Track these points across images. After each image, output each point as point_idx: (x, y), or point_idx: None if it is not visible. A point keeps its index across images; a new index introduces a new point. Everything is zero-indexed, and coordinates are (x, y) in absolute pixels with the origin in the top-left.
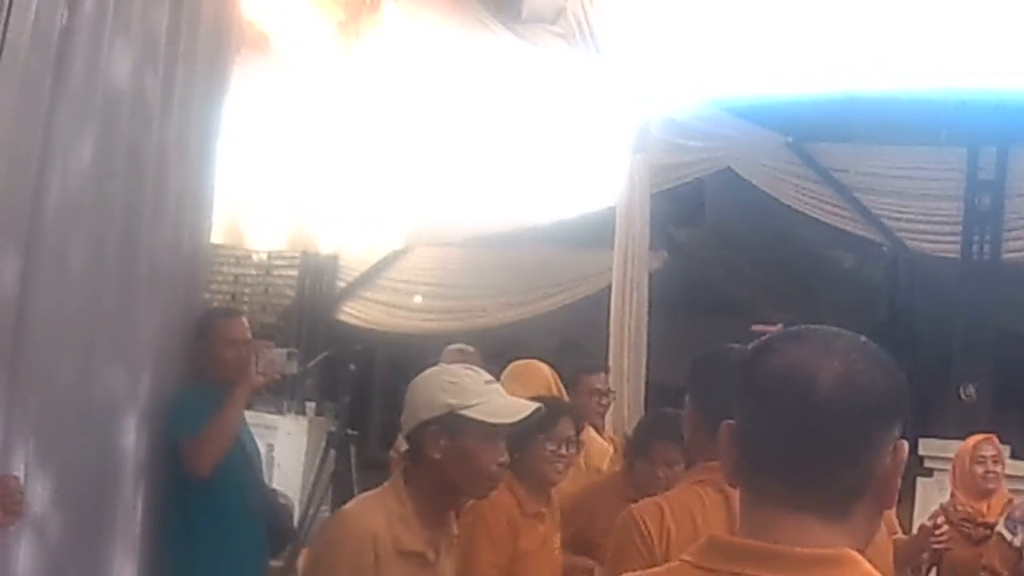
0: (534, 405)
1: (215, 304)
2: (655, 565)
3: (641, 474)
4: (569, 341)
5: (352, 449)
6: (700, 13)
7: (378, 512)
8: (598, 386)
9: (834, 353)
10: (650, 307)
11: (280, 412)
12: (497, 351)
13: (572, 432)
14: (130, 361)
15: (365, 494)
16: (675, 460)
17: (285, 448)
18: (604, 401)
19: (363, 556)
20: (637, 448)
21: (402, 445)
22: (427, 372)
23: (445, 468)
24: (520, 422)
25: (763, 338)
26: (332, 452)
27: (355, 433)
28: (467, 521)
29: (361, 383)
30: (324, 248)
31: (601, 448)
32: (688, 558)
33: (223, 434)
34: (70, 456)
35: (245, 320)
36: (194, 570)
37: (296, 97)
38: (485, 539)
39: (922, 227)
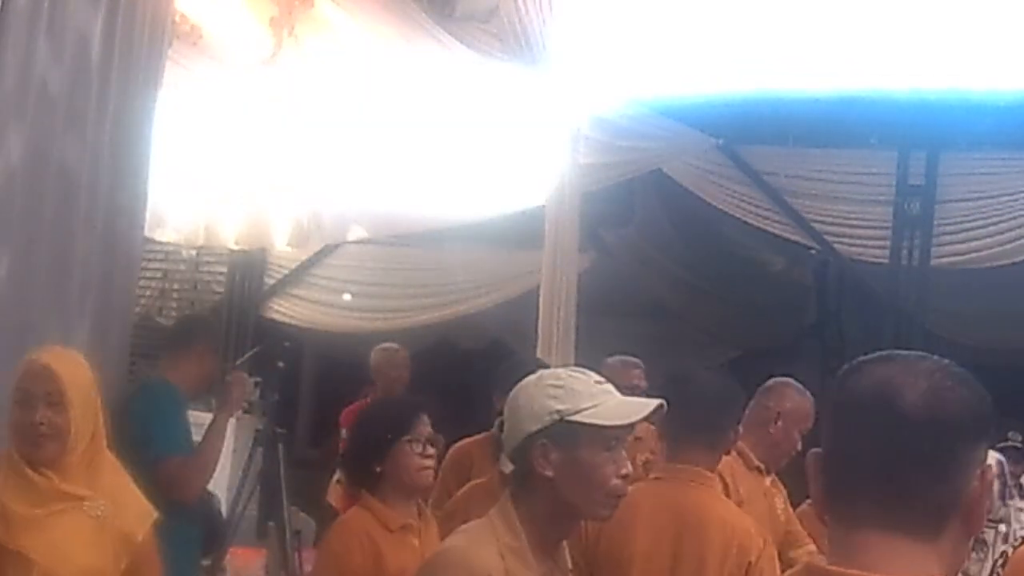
0: (654, 402)
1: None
2: None
3: None
4: (497, 341)
5: (280, 447)
6: (634, 13)
7: (491, 547)
8: (636, 382)
9: (920, 372)
10: (578, 308)
11: (208, 409)
12: (426, 351)
13: (430, 429)
14: None
15: (471, 525)
16: None
17: None
18: None
19: None
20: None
21: (506, 466)
22: (528, 379)
23: (560, 486)
24: (643, 420)
25: (852, 362)
26: (260, 450)
27: (283, 431)
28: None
29: (289, 381)
30: (252, 244)
31: None
32: None
33: (211, 463)
34: None
35: None
36: None
37: (227, 91)
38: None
39: (851, 231)
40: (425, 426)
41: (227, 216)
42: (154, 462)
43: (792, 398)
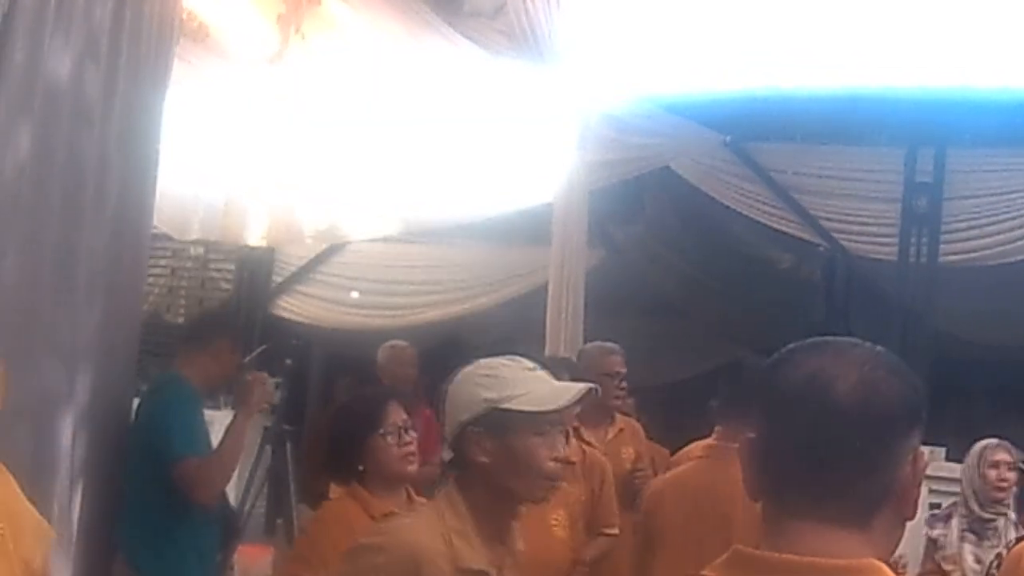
0: (584, 386)
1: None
2: None
3: None
4: (506, 338)
5: (288, 445)
6: (642, 10)
7: (435, 529)
8: (617, 368)
9: (851, 362)
10: (586, 305)
11: (216, 407)
12: (434, 348)
13: (404, 416)
14: (68, 360)
15: (419, 509)
16: None
17: None
18: (622, 384)
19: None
20: None
21: (447, 454)
22: (461, 371)
23: (496, 472)
24: (570, 405)
25: (782, 351)
26: (268, 448)
27: (291, 429)
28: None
29: (297, 378)
30: (260, 242)
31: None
32: (710, 572)
33: (230, 465)
34: (5, 452)
35: None
36: (158, 567)
37: (233, 88)
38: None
39: (859, 228)
40: (398, 414)
41: (235, 213)
42: (172, 463)
43: None
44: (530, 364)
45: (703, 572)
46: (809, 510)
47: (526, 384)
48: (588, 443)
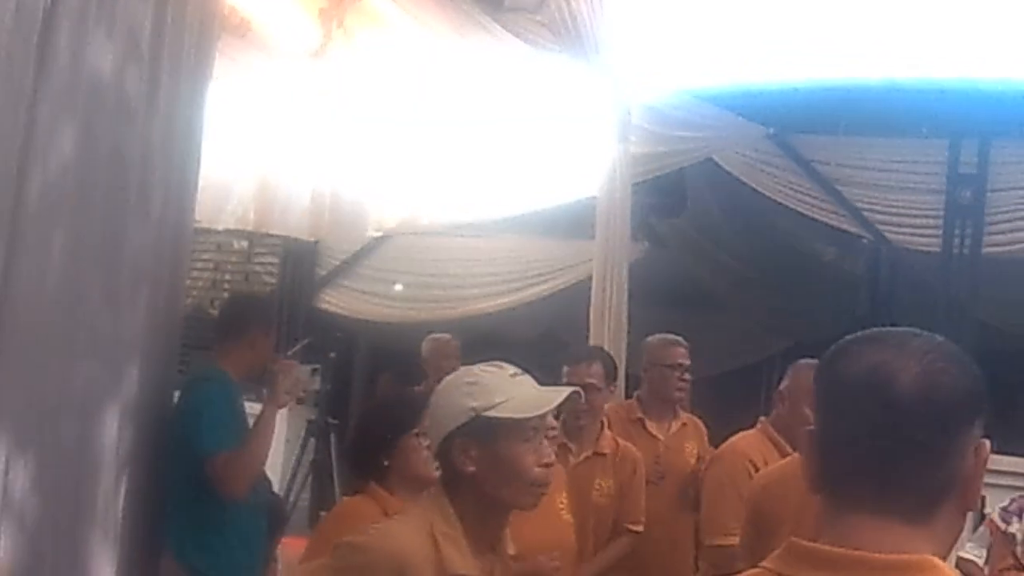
0: (567, 390)
1: (195, 292)
2: None
3: None
4: (549, 331)
5: (332, 437)
6: (684, 2)
7: (423, 532)
8: (680, 360)
9: (912, 354)
10: (630, 297)
11: (260, 400)
12: (477, 341)
13: None
14: (112, 356)
15: (406, 513)
16: None
17: None
18: (685, 376)
19: None
20: None
21: (433, 465)
22: (445, 380)
23: (484, 481)
24: (553, 410)
25: (840, 343)
26: (312, 440)
27: (335, 422)
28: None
29: (341, 372)
30: (304, 235)
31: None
32: (768, 565)
33: (258, 458)
34: (49, 447)
35: None
36: (208, 563)
37: (276, 83)
38: None
39: (903, 220)
40: None
41: (279, 206)
42: (203, 459)
43: (795, 376)
44: (513, 370)
45: (762, 564)
46: (870, 504)
47: (509, 391)
48: (652, 435)
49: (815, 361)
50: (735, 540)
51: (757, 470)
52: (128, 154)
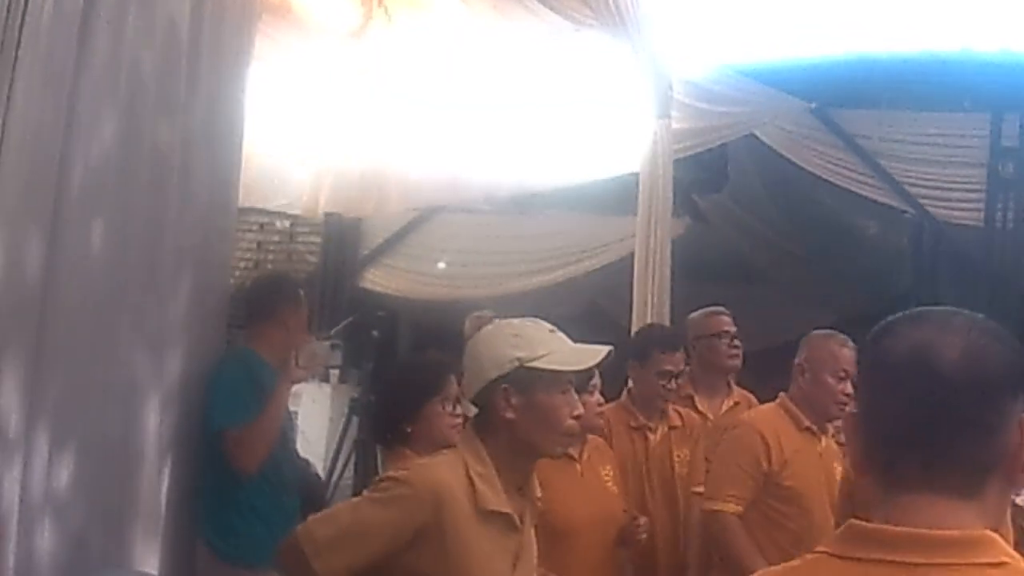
0: (604, 349)
1: (237, 273)
2: None
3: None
4: (593, 307)
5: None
6: None
7: (454, 470)
8: (668, 367)
9: (955, 331)
10: (673, 273)
11: (304, 379)
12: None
13: (458, 389)
14: (155, 343)
15: (441, 454)
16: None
17: (309, 415)
18: (671, 385)
19: (417, 506)
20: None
21: (469, 410)
22: (487, 329)
23: (521, 427)
24: (595, 367)
25: (882, 323)
26: (355, 419)
27: None
28: None
29: (384, 350)
30: (347, 213)
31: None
32: (827, 549)
33: (269, 432)
34: (93, 437)
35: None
36: (228, 542)
37: (316, 63)
38: None
39: (946, 194)
40: (454, 386)
41: (322, 185)
42: (216, 435)
43: (813, 345)
44: (550, 327)
45: (818, 548)
46: (920, 482)
47: (550, 344)
48: (702, 414)
49: (830, 332)
50: (731, 507)
51: (768, 445)
52: (169, 141)
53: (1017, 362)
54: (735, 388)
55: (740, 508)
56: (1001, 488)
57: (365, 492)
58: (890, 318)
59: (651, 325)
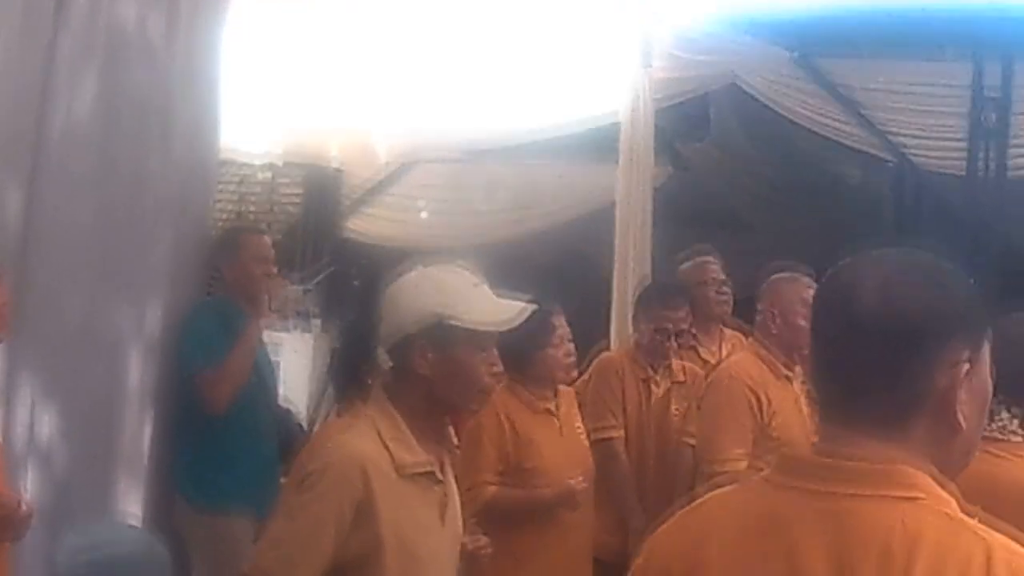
0: (527, 308)
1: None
2: None
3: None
4: (575, 256)
5: None
6: None
7: (368, 437)
8: (667, 324)
9: (879, 273)
10: (655, 222)
11: (286, 329)
12: (503, 266)
13: (567, 327)
14: (138, 293)
15: (341, 421)
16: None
17: (291, 364)
18: (671, 342)
19: (348, 485)
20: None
21: (384, 362)
22: (406, 278)
23: (436, 384)
24: (514, 328)
25: (844, 260)
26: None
27: None
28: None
29: (365, 298)
30: (328, 163)
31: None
32: (767, 471)
33: (238, 373)
34: (76, 386)
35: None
36: (201, 491)
37: (297, 11)
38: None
39: (927, 143)
40: (564, 324)
41: (303, 135)
42: (187, 379)
43: (780, 289)
44: (475, 279)
45: (761, 473)
46: (844, 416)
47: (471, 299)
48: (705, 361)
49: (793, 275)
50: (739, 466)
51: (757, 398)
52: (149, 94)
53: (944, 307)
54: (728, 331)
55: (745, 464)
56: (930, 430)
57: (287, 495)
58: (852, 257)
59: (656, 281)
